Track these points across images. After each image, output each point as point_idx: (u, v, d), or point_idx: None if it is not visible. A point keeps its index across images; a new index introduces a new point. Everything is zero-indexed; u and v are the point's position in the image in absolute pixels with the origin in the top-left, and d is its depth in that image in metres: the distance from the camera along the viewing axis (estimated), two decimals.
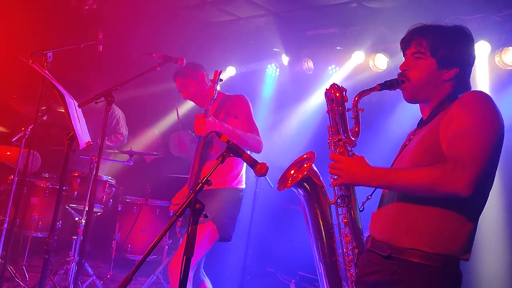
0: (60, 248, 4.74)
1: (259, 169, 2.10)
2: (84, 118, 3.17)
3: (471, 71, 1.93)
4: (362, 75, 5.23)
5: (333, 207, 2.12)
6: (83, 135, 3.10)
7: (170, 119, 6.08)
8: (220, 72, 3.07)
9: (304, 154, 2.37)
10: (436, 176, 1.63)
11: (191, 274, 2.99)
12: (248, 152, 2.31)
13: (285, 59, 5.73)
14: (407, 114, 4.43)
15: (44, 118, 4.10)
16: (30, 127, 3.89)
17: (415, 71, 1.89)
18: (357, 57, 5.02)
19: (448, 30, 1.90)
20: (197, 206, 1.87)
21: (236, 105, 3.22)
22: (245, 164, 3.14)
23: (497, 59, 4.15)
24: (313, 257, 2.28)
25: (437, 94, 1.89)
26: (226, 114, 3.19)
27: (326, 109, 2.04)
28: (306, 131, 5.74)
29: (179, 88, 3.37)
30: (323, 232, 2.19)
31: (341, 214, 2.06)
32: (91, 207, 3.14)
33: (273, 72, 6.18)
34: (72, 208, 4.42)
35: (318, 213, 2.21)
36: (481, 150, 1.64)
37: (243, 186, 3.22)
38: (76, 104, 3.06)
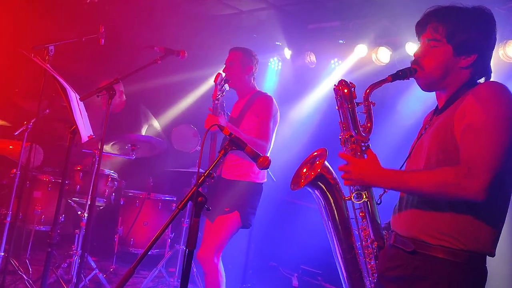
0: (63, 241, 4.75)
1: (261, 162, 2.10)
2: (86, 112, 3.17)
3: (492, 54, 1.84)
4: (365, 68, 5.20)
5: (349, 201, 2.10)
6: (85, 128, 3.10)
7: (172, 113, 6.08)
8: (223, 78, 3.17)
9: (315, 151, 2.34)
10: (449, 181, 1.58)
11: (217, 262, 3.15)
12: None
13: (287, 52, 5.71)
14: (417, 100, 4.43)
15: (46, 111, 4.10)
16: (33, 120, 3.89)
17: (429, 59, 1.80)
18: (360, 50, 5.00)
19: (466, 12, 1.79)
20: (200, 199, 1.86)
21: (260, 105, 3.31)
22: None
23: (501, 52, 4.12)
24: (332, 253, 2.27)
25: (454, 81, 1.80)
26: (250, 111, 3.30)
27: (336, 105, 2.00)
28: (309, 125, 5.73)
29: (227, 60, 3.43)
30: (341, 229, 2.17)
31: (358, 209, 2.05)
32: (93, 201, 3.16)
33: (275, 65, 6.17)
34: (75, 202, 4.43)
35: (335, 210, 2.19)
36: (494, 154, 1.57)
37: (264, 180, 3.45)
38: (78, 97, 3.06)
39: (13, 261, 3.90)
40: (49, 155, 4.96)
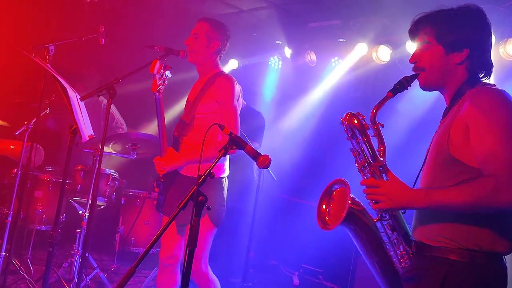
0: (64, 241, 4.76)
1: (261, 161, 2.10)
2: (86, 112, 3.17)
3: (490, 46, 1.88)
4: (365, 67, 5.21)
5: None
6: (86, 128, 3.10)
7: (172, 112, 6.08)
8: (162, 65, 2.69)
9: (331, 183, 2.30)
10: (480, 196, 1.60)
11: (206, 270, 2.95)
12: None
13: (287, 51, 5.71)
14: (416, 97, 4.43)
15: (47, 111, 4.10)
16: (33, 120, 3.89)
17: (424, 60, 1.88)
18: (360, 49, 5.00)
19: (452, 12, 1.88)
20: (200, 198, 1.87)
21: (219, 88, 2.93)
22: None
23: (501, 50, 4.12)
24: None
25: (453, 80, 1.85)
26: (208, 94, 2.96)
27: (346, 136, 1.99)
28: (309, 124, 5.74)
29: (193, 31, 3.04)
30: (377, 251, 2.14)
31: (385, 221, 1.98)
32: (94, 200, 3.15)
33: (275, 64, 6.17)
34: (76, 201, 4.44)
35: (367, 234, 2.16)
36: None
37: (226, 173, 3.05)
38: (78, 97, 3.06)
39: (14, 260, 3.91)
40: (50, 155, 4.97)
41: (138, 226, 4.85)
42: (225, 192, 3.01)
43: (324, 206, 2.26)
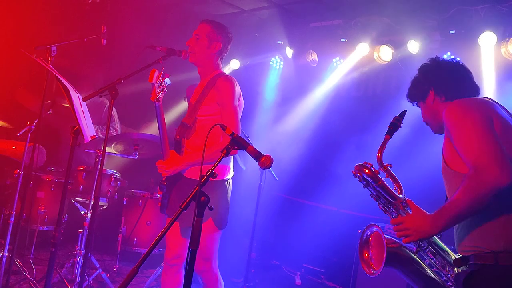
0: (66, 241, 4.78)
1: (263, 161, 2.09)
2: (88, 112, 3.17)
3: (457, 84, 2.13)
4: (367, 67, 5.21)
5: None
6: (88, 129, 3.11)
7: (175, 112, 6.09)
8: (160, 73, 2.67)
9: (364, 230, 2.41)
10: (472, 190, 1.76)
11: (217, 272, 2.96)
12: None
13: (289, 51, 5.71)
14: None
15: (49, 112, 4.11)
16: (35, 121, 3.90)
17: (427, 116, 2.22)
18: (362, 49, 5.00)
19: (419, 74, 2.23)
20: (202, 198, 1.87)
21: (219, 90, 2.92)
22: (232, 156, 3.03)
23: (503, 49, 4.12)
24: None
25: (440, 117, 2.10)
26: (209, 96, 2.95)
27: (362, 186, 2.18)
28: (310, 124, 5.74)
29: (194, 32, 3.03)
30: (424, 279, 2.23)
31: (424, 249, 2.11)
32: (96, 200, 3.15)
33: (277, 64, 6.17)
34: (78, 201, 4.44)
35: (411, 267, 2.25)
36: (480, 145, 1.80)
37: (230, 174, 3.05)
38: (81, 98, 3.07)
39: (17, 261, 3.93)
40: (52, 155, 4.98)
41: (140, 226, 4.86)
42: (229, 195, 3.01)
43: (366, 254, 2.40)
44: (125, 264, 4.90)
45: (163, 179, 3.00)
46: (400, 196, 2.07)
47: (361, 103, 5.35)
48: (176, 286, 3.02)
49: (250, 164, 4.92)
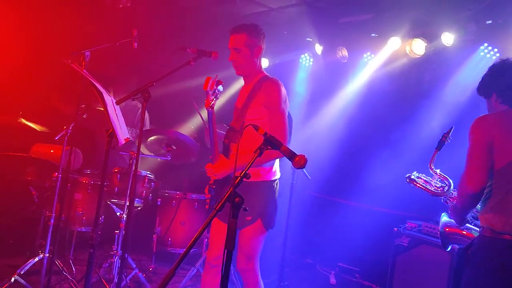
0: (103, 242, 4.88)
1: (297, 161, 2.08)
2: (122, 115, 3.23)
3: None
4: (399, 61, 5.10)
5: None
6: (122, 132, 3.16)
7: (205, 112, 6.11)
8: (214, 81, 2.64)
9: None
10: (458, 193, 2.50)
11: (258, 272, 2.97)
12: None
13: (318, 48, 5.65)
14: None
15: (84, 116, 4.21)
16: (71, 125, 4.00)
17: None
18: (393, 43, 4.90)
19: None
20: (237, 199, 1.87)
21: (266, 93, 2.94)
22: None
23: None
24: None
25: None
26: (256, 100, 2.97)
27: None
28: (342, 121, 5.67)
29: (230, 45, 3.01)
30: None
31: None
32: (131, 202, 3.20)
33: (306, 62, 6.12)
34: (114, 203, 4.53)
35: None
36: (467, 158, 2.42)
37: (277, 176, 3.08)
38: (114, 101, 3.12)
39: (57, 261, 4.03)
40: (88, 158, 5.10)
41: (175, 227, 4.91)
42: (277, 195, 3.04)
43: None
44: (161, 264, 4.97)
45: (211, 182, 3.06)
46: (452, 192, 2.94)
47: (394, 99, 5.24)
48: (217, 286, 3.03)
49: (282, 163, 4.91)
